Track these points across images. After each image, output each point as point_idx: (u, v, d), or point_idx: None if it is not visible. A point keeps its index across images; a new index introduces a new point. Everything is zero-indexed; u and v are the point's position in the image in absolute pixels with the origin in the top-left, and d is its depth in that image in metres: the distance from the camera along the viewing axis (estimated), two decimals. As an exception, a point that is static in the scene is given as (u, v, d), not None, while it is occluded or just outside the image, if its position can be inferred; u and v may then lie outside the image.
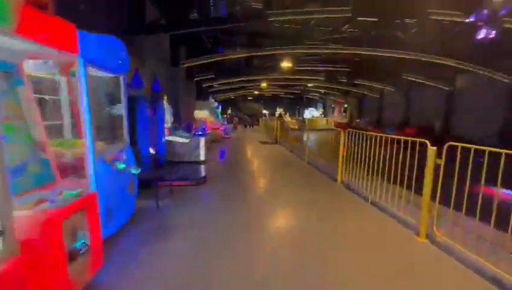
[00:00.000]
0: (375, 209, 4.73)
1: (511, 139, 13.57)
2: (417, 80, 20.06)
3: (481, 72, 15.36)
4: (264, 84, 25.71)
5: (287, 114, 45.04)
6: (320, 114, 42.66)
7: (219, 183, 6.50)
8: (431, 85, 20.01)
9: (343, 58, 18.76)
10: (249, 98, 43.26)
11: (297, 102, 49.72)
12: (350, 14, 8.54)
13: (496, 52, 14.32)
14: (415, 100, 23.15)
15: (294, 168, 8.56)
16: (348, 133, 5.94)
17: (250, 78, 23.24)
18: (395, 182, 4.43)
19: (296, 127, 26.42)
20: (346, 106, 31.61)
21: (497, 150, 2.76)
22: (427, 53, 14.27)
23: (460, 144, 3.09)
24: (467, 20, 8.85)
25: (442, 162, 3.35)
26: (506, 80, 15.30)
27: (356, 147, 5.49)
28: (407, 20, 10.63)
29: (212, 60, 13.88)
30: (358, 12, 8.66)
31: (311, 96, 42.90)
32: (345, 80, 23.38)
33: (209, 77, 18.49)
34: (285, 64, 15.84)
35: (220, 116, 18.52)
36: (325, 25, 13.06)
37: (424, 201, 3.59)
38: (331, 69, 19.68)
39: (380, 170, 4.71)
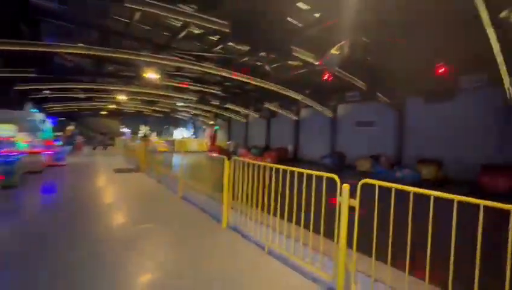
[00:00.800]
0: (274, 261, 3.66)
1: (340, 160, 18.17)
2: (275, 109, 23.25)
3: (318, 107, 19.80)
4: (122, 97, 21.24)
5: (153, 134, 40.40)
6: (192, 135, 41.39)
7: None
8: (284, 114, 23.97)
9: (216, 81, 18.68)
10: (102, 112, 35.05)
11: (165, 120, 46.06)
12: (228, 30, 7.96)
13: (325, 92, 18.94)
14: (274, 126, 26.97)
15: (164, 208, 6.42)
16: (234, 162, 4.80)
17: (102, 87, 18.45)
18: (298, 223, 3.60)
19: (165, 149, 23.58)
20: (216, 128, 32.21)
21: (405, 187, 2.50)
22: (284, 86, 16.62)
23: (377, 182, 2.67)
24: (316, 63, 10.66)
25: (357, 203, 2.75)
26: (329, 115, 20.57)
27: (244, 179, 4.40)
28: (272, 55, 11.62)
29: (29, 48, 9.24)
30: (235, 33, 8.26)
31: (180, 116, 40.93)
32: (217, 103, 23.55)
33: (27, 75, 12.60)
34: (150, 75, 13.39)
35: (49, 134, 12.82)
36: (200, 40, 12.14)
37: (341, 252, 2.83)
38: (204, 90, 19.04)
39: (277, 208, 3.77)
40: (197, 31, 11.02)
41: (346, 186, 2.80)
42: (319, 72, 12.57)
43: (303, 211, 3.44)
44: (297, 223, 3.64)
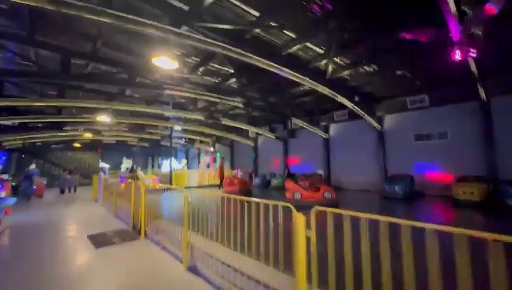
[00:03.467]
0: None
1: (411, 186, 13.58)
2: (302, 125, 18.73)
3: (366, 118, 15.55)
4: (104, 120, 15.68)
5: (139, 168, 33.85)
6: (184, 166, 35.30)
7: None
8: (310, 132, 19.55)
9: (234, 90, 13.95)
10: (76, 144, 28.54)
11: (150, 151, 39.85)
12: None
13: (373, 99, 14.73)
14: (293, 148, 22.30)
15: None
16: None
17: (76, 104, 13.01)
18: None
19: (158, 185, 17.83)
20: (218, 155, 26.83)
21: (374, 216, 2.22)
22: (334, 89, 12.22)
23: (329, 209, 2.69)
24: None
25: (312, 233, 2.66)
26: (377, 127, 16.27)
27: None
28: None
29: None
30: None
31: (168, 144, 35.06)
32: (226, 122, 18.64)
33: None
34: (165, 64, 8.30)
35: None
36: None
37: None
38: (220, 100, 14.13)
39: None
40: None
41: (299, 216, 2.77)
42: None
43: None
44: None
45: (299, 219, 2.89)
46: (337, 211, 2.61)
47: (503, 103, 12.19)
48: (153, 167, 41.55)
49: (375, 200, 12.87)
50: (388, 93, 15.02)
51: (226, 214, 4.05)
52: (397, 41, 8.74)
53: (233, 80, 12.22)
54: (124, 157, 35.95)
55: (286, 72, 9.75)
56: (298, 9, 7.66)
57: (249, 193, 15.03)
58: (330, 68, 11.04)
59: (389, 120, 16.37)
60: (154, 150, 38.67)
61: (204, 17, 7.54)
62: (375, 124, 16.17)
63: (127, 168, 31.83)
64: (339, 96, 12.61)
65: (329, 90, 11.71)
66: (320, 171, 19.21)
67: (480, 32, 6.55)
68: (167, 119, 19.81)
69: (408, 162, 15.08)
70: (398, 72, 11.57)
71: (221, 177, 18.91)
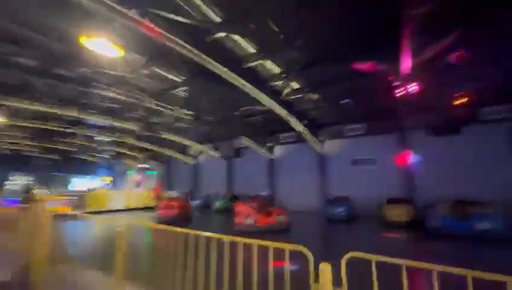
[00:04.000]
0: None
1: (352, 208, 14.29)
2: (248, 144, 18.24)
3: (310, 140, 16.13)
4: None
5: (40, 187, 26.59)
6: (105, 185, 29.63)
7: None
8: (255, 152, 19.24)
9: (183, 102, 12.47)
10: None
11: (62, 166, 32.35)
12: None
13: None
14: (239, 168, 21.49)
15: None
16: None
17: None
18: None
19: (68, 210, 14.02)
20: (154, 172, 23.56)
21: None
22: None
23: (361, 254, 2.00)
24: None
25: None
26: (318, 150, 17.22)
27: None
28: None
29: None
30: None
31: (90, 159, 29.29)
32: (165, 136, 16.57)
33: None
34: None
35: None
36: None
37: None
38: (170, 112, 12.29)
39: None
40: None
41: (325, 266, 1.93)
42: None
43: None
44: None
45: (325, 269, 1.99)
46: (383, 259, 1.96)
47: (418, 138, 14.54)
48: (62, 185, 33.59)
49: (323, 224, 13.00)
50: (331, 120, 16.18)
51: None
52: (349, 73, 9.38)
53: (184, 88, 10.87)
54: (18, 173, 27.86)
55: (244, 86, 9.13)
56: (265, 26, 7.30)
57: (189, 218, 13.13)
58: (286, 90, 11.08)
59: (330, 145, 17.54)
60: (67, 166, 31.49)
61: (163, 5, 6.29)
62: (318, 148, 17.04)
63: (28, 188, 24.46)
64: (293, 118, 12.70)
65: (286, 112, 11.61)
66: (264, 193, 18.82)
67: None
68: (89, 126, 16.29)
69: (346, 185, 16.16)
70: (342, 102, 12.51)
71: (157, 198, 16.27)
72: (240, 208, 10.21)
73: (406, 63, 7.12)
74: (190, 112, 13.22)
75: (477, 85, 10.74)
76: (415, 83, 7.69)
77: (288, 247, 2.25)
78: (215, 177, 22.41)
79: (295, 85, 11.18)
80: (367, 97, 12.19)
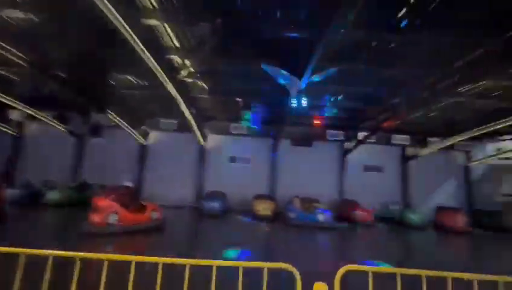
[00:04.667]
0: None
1: (225, 203, 14.40)
2: (117, 122, 14.64)
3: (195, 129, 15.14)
4: None
5: None
6: None
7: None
8: (125, 133, 15.82)
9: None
10: None
11: None
12: None
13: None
14: (98, 151, 16.78)
15: None
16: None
17: None
18: None
19: None
20: None
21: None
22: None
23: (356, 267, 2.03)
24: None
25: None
26: (201, 142, 16.58)
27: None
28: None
29: None
30: None
31: None
32: None
33: None
34: None
35: None
36: None
37: None
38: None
39: None
40: None
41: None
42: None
43: None
44: None
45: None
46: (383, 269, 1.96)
47: (284, 145, 17.20)
48: None
49: (199, 219, 12.39)
50: (218, 114, 15.99)
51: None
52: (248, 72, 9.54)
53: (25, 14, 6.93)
54: None
55: (135, 43, 6.97)
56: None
57: (3, 218, 8.44)
58: (185, 72, 9.74)
59: (213, 140, 17.33)
60: None
61: None
62: (201, 141, 16.38)
63: None
64: (182, 103, 11.30)
65: (177, 94, 10.11)
66: (129, 183, 15.73)
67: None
68: None
69: (222, 181, 16.45)
70: (238, 99, 12.67)
71: None
72: (100, 202, 7.63)
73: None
74: (25, 57, 8.69)
75: (329, 113, 14.22)
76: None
77: (266, 265, 1.52)
78: (53, 157, 16.32)
79: (191, 68, 10.04)
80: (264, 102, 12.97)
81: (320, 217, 11.68)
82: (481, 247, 10.59)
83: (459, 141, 14.25)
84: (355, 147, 16.27)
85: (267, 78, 9.68)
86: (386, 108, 12.33)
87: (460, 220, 13.11)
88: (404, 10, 6.57)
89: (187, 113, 12.64)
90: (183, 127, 15.07)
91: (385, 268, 1.73)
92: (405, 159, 17.21)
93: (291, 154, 17.29)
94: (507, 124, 11.25)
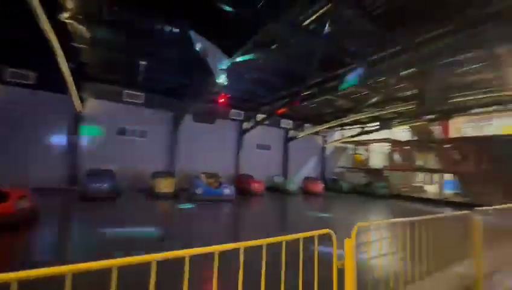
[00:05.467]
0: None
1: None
2: None
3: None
4: None
5: None
6: None
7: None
8: None
9: None
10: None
11: None
12: None
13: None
14: None
15: None
16: None
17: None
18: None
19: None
20: None
21: None
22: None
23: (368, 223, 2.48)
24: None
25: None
26: (79, 108, 12.98)
27: None
28: None
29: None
30: None
31: None
32: None
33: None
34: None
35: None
36: None
37: None
38: None
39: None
40: None
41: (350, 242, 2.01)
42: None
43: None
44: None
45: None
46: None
47: (186, 121, 16.50)
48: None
49: (82, 204, 10.05)
50: (107, 75, 12.96)
51: None
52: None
53: None
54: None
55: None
56: None
57: None
58: (67, 13, 7.25)
59: (94, 105, 13.92)
60: None
61: None
62: (78, 106, 12.81)
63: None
64: (60, 52, 8.38)
65: (57, 39, 7.43)
66: None
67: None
68: None
69: (107, 157, 13.84)
70: (142, 62, 10.82)
71: None
72: None
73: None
74: None
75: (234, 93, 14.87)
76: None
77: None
78: None
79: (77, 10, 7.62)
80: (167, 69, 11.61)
81: (226, 191, 12.55)
82: (328, 202, 15.08)
83: (324, 128, 18.98)
84: (252, 127, 18.05)
85: (179, 43, 8.95)
86: (283, 96, 14.43)
87: (318, 186, 17.88)
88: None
89: (64, 67, 9.52)
90: (53, 85, 11.24)
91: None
92: (287, 140, 20.96)
93: (192, 130, 16.89)
94: (350, 119, 16.16)
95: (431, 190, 21.20)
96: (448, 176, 18.64)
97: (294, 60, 10.16)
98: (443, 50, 7.31)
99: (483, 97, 11.15)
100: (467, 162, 16.61)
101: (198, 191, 12.22)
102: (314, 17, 7.66)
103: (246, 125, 18.60)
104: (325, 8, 7.26)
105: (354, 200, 15.95)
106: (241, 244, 1.70)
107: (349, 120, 16.82)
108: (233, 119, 18.02)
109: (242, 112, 17.84)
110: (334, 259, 2.08)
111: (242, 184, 15.66)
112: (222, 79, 9.24)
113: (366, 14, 7.01)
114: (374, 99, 13.34)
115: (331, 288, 2.06)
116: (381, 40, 8.02)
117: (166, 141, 15.99)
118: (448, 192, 18.47)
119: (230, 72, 10.36)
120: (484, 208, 3.66)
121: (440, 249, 3.06)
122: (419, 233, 2.85)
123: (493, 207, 3.91)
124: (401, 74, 9.58)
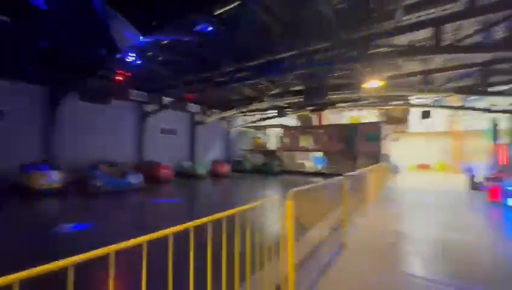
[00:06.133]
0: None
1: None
2: None
3: None
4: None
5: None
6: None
7: None
8: None
9: None
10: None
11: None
12: None
13: None
14: None
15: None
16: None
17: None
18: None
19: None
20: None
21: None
22: None
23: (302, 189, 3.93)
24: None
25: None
26: None
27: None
28: None
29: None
30: None
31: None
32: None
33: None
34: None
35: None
36: None
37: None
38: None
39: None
40: None
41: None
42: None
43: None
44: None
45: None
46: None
47: (70, 99, 13.48)
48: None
49: None
50: None
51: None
52: None
53: None
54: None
55: None
56: None
57: None
58: None
59: None
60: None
61: None
62: None
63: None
64: None
65: None
66: None
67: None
68: None
69: None
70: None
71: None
72: None
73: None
74: None
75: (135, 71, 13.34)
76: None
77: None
78: None
79: None
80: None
81: (133, 180, 11.58)
82: (236, 182, 16.75)
83: (231, 114, 20.18)
84: (158, 110, 16.87)
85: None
86: (192, 81, 14.27)
87: (225, 168, 19.21)
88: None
89: None
90: None
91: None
92: (193, 124, 20.86)
93: (82, 111, 14.03)
94: (256, 107, 18.12)
95: (309, 165, 27.02)
96: (318, 154, 24.42)
97: (208, 46, 10.36)
98: (330, 59, 9.67)
99: (345, 96, 15.33)
100: (331, 143, 22.46)
101: (99, 183, 10.69)
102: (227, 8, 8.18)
103: (149, 108, 17.15)
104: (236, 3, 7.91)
105: (256, 178, 18.34)
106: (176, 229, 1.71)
107: (254, 107, 18.71)
108: (135, 101, 16.18)
109: (145, 94, 16.24)
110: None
111: (149, 171, 14.73)
112: (122, 53, 8.35)
113: (274, 21, 8.20)
114: (275, 91, 15.51)
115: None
116: (288, 43, 9.56)
117: (40, 123, 12.61)
118: (319, 166, 24.23)
119: (132, 47, 9.44)
120: (345, 174, 5.64)
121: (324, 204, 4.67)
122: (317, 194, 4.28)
123: (350, 174, 6.03)
124: (295, 72, 11.77)
